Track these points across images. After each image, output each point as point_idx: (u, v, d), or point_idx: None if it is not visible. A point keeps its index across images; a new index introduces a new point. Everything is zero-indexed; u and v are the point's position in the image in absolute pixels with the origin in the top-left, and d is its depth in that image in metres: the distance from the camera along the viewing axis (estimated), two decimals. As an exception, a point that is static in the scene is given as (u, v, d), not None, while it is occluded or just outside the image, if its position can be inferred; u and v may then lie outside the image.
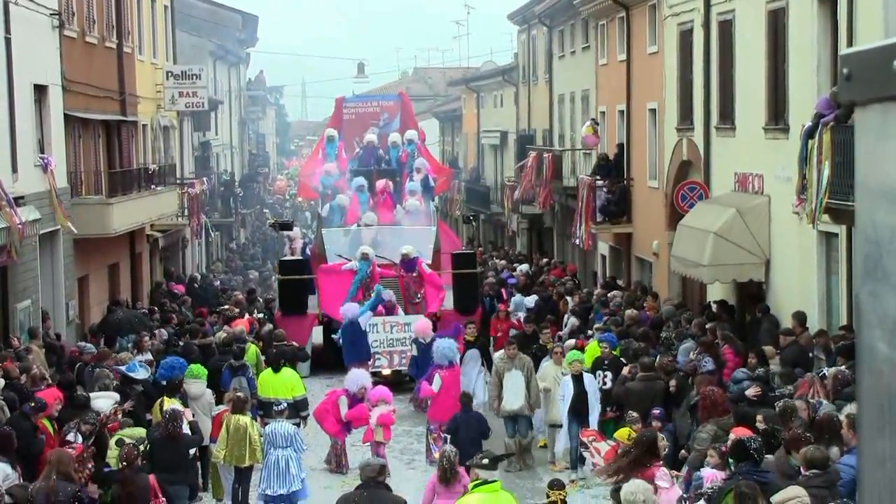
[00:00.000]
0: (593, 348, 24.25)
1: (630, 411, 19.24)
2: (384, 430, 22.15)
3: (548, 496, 14.68)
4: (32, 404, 17.60)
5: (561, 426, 22.13)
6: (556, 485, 14.73)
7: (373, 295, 29.99)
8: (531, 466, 22.62)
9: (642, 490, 12.32)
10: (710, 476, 14.22)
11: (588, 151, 39.77)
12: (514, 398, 22.45)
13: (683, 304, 28.34)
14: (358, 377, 23.17)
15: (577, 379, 21.55)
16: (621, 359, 22.88)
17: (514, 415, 22.57)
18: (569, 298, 33.11)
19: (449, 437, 20.82)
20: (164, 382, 20.68)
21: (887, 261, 2.43)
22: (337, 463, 22.83)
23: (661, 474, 13.70)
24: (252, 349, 25.24)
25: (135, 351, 24.26)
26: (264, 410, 22.07)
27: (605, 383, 22.21)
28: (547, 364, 23.31)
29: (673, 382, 20.41)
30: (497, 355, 23.93)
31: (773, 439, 14.72)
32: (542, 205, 43.33)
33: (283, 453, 19.15)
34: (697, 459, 16.02)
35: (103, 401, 19.73)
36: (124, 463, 15.37)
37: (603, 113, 39.08)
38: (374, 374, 27.99)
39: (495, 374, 22.95)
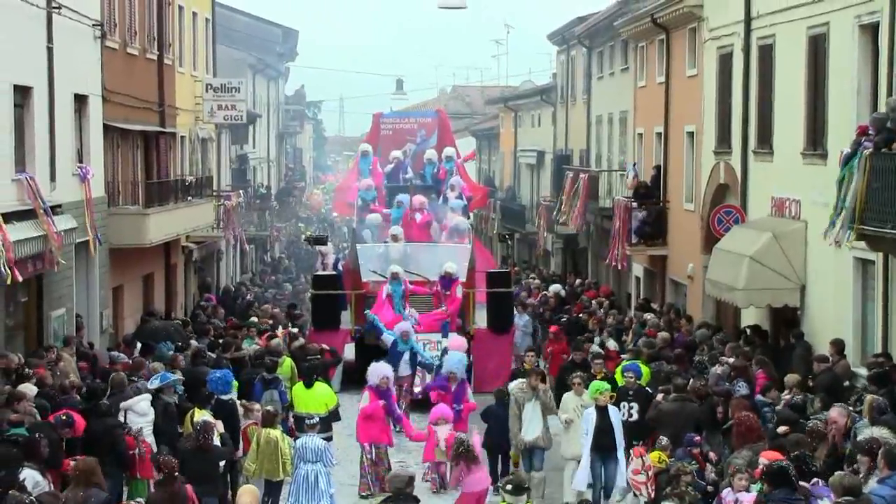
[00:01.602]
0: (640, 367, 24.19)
1: (661, 436, 19.08)
2: (448, 449, 21.08)
3: None
4: (64, 418, 17.65)
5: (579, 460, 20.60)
6: None
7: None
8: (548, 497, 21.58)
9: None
10: (730, 500, 14.16)
11: (623, 173, 39.79)
12: (531, 429, 21.26)
13: (718, 328, 28.20)
14: (378, 369, 22.85)
15: (602, 411, 20.06)
16: (647, 388, 22.11)
17: (530, 447, 21.38)
18: (607, 321, 32.98)
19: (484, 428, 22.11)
20: (208, 393, 20.64)
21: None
22: (365, 485, 22.09)
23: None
24: (287, 362, 25.28)
25: (168, 366, 24.24)
26: (297, 425, 22.03)
27: (630, 415, 20.95)
28: (567, 395, 21.50)
29: (720, 409, 20.15)
30: (515, 384, 22.36)
31: (804, 465, 14.62)
32: (576, 225, 43.24)
33: (312, 468, 19.13)
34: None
35: (143, 403, 19.80)
36: (165, 473, 15.33)
37: (640, 135, 39.00)
38: (409, 392, 28.06)
39: (514, 404, 21.56)
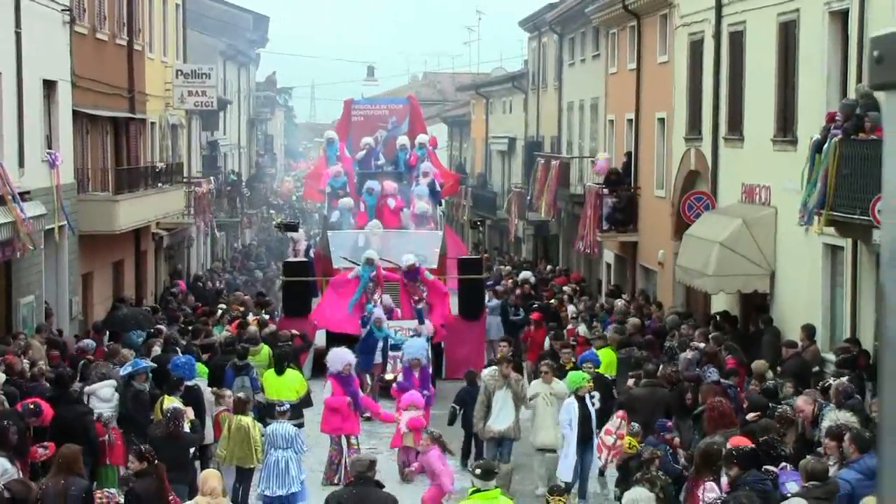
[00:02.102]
0: (606, 353, 24.25)
1: (633, 422, 19.11)
2: (416, 434, 21.11)
3: (547, 501, 14.60)
4: (32, 406, 17.58)
5: (552, 451, 20.47)
6: (557, 490, 14.63)
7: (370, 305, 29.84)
8: (515, 493, 20.70)
9: (644, 498, 12.28)
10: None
11: (594, 159, 39.87)
12: (502, 419, 20.91)
13: (688, 314, 28.29)
14: (340, 356, 22.42)
15: (582, 401, 19.84)
16: (605, 375, 22.13)
17: (500, 437, 20.95)
18: (571, 307, 33.07)
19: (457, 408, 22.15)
20: (177, 379, 20.58)
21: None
22: (333, 472, 21.83)
23: (710, 488, 13.56)
24: (265, 350, 25.12)
25: (142, 352, 24.12)
26: (268, 412, 21.95)
27: (593, 404, 20.30)
28: (535, 383, 21.25)
29: (689, 395, 20.22)
30: (487, 372, 22.17)
31: (772, 450, 14.71)
32: (547, 211, 43.29)
33: (283, 454, 19.08)
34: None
35: (106, 389, 19.86)
36: (145, 462, 15.24)
37: (612, 121, 39.06)
38: (380, 381, 28.04)
39: (484, 391, 21.21)
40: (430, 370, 25.51)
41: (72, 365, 22.32)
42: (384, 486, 14.16)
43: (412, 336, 27.89)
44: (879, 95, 2.57)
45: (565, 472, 19.80)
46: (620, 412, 19.05)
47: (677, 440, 18.52)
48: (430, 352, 25.53)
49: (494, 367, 22.04)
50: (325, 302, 31.11)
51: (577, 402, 19.75)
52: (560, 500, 14.17)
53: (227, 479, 19.64)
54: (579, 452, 19.79)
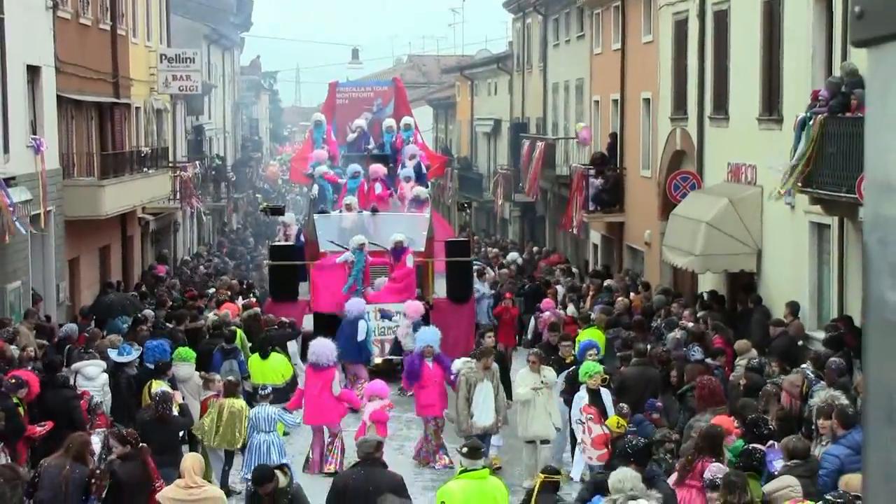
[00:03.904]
0: (593, 333, 24.23)
1: (621, 403, 19.00)
2: (378, 427, 20.36)
3: (542, 481, 14.43)
4: (13, 381, 17.57)
5: (545, 442, 19.63)
6: (550, 470, 14.55)
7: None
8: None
9: (630, 478, 12.28)
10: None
11: (575, 131, 39.96)
12: (485, 414, 20.14)
13: (677, 294, 28.31)
14: (321, 348, 21.92)
15: (594, 394, 18.81)
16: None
17: (484, 433, 19.97)
18: (559, 288, 33.12)
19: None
20: (153, 366, 20.61)
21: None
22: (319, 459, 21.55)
23: (718, 468, 13.57)
24: (238, 333, 25.10)
25: (129, 337, 24.08)
26: (253, 397, 21.87)
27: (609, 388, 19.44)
28: (523, 372, 20.30)
29: (674, 373, 20.15)
30: (462, 362, 21.12)
31: (756, 429, 14.77)
32: (528, 192, 43.32)
33: (265, 438, 19.08)
34: (692, 449, 15.95)
35: (92, 368, 19.96)
36: (131, 446, 15.21)
37: (597, 102, 39.06)
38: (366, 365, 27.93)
39: (464, 385, 20.23)
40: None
41: (59, 350, 22.30)
42: (388, 466, 14.19)
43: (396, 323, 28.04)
44: (861, 53, 2.55)
45: (578, 471, 19.25)
46: (589, 409, 18.48)
47: (656, 416, 18.55)
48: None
49: (467, 359, 21.16)
50: (318, 288, 30.80)
51: (589, 395, 18.77)
52: (552, 479, 14.12)
53: (215, 464, 19.70)
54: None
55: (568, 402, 19.80)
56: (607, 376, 19.39)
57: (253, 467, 18.75)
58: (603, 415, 18.36)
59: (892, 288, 2.37)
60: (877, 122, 2.45)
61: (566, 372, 20.77)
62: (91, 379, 19.86)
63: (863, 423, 2.60)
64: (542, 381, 19.65)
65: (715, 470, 13.20)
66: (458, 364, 21.12)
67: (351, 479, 13.51)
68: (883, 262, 2.41)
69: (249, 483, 15.38)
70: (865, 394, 2.52)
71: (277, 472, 13.84)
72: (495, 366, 20.94)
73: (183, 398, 19.71)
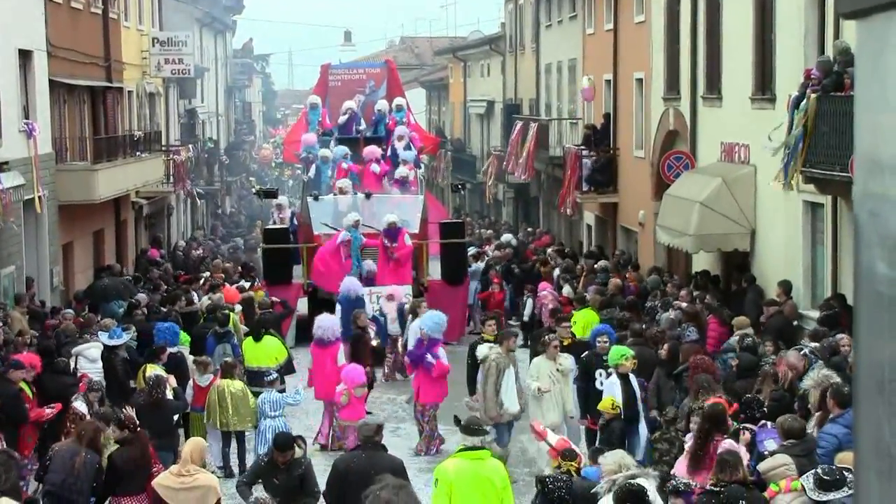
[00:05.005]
0: (587, 314, 24.24)
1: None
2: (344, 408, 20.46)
3: (559, 467, 14.07)
4: (13, 362, 17.59)
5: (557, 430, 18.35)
6: (569, 455, 14.03)
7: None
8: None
9: (619, 458, 12.28)
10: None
11: (574, 122, 39.92)
12: (513, 400, 19.19)
13: (669, 272, 28.30)
14: (327, 322, 22.30)
15: (625, 379, 17.72)
16: (586, 339, 21.23)
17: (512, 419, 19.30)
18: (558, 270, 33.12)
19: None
20: (156, 348, 20.57)
21: (889, 179, 2.37)
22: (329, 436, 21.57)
23: (730, 444, 13.54)
24: (232, 317, 25.07)
25: (125, 321, 24.06)
26: (250, 380, 21.90)
27: (601, 384, 18.58)
28: (539, 360, 19.58)
29: (664, 348, 19.86)
30: (488, 347, 19.87)
31: (750, 410, 14.80)
32: (523, 174, 43.25)
33: (272, 423, 19.17)
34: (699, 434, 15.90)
35: (94, 350, 20.10)
36: (129, 430, 15.21)
37: (590, 80, 38.95)
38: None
39: (494, 370, 19.06)
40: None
41: (52, 335, 22.29)
42: (388, 450, 14.20)
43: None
44: (850, 24, 2.54)
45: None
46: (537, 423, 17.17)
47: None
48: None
49: (491, 344, 20.09)
50: (322, 265, 30.63)
51: (620, 380, 17.63)
52: (572, 465, 13.76)
53: (213, 444, 19.69)
54: (634, 437, 17.62)
55: (581, 390, 19.27)
56: (635, 361, 18.32)
57: (260, 452, 18.85)
58: (634, 402, 17.60)
59: (883, 259, 2.37)
60: (866, 94, 2.45)
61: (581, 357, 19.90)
62: (94, 361, 19.93)
63: (853, 394, 2.60)
64: (557, 369, 19.24)
65: (728, 445, 13.23)
66: (484, 349, 19.94)
67: (353, 462, 13.51)
68: (873, 235, 2.42)
69: (262, 456, 15.48)
70: (856, 366, 2.53)
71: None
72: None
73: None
